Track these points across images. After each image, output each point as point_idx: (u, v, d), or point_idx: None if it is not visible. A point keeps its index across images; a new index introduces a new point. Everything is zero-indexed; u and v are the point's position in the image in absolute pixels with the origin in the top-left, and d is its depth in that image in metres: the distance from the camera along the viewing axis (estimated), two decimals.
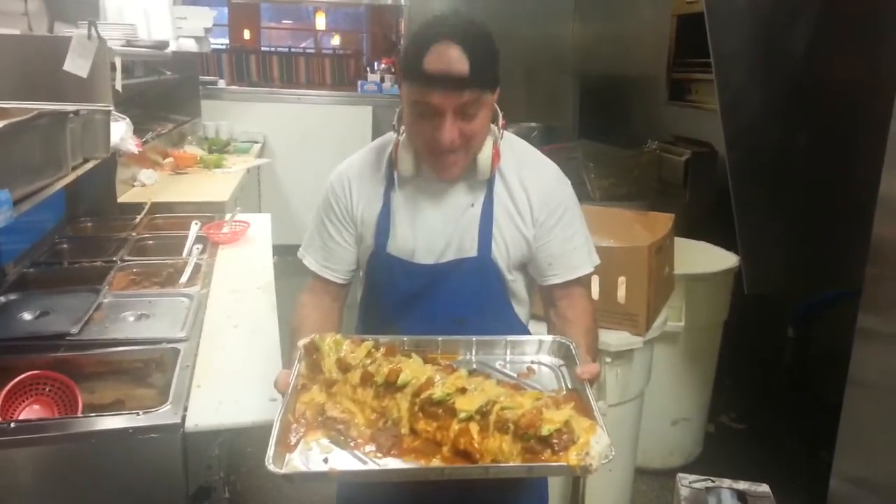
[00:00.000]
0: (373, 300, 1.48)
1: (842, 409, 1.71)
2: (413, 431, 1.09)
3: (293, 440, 1.07)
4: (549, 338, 1.32)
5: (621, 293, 2.19)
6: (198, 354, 1.68)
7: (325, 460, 1.04)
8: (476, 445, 1.03)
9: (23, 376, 1.54)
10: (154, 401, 1.55)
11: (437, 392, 1.08)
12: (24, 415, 1.52)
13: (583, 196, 1.49)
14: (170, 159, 3.84)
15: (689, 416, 2.87)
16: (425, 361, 1.19)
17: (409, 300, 1.40)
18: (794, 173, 2.45)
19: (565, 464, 0.98)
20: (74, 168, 1.84)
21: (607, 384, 2.24)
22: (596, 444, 0.99)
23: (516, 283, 1.43)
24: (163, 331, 1.81)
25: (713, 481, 1.81)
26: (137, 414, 1.37)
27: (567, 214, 1.39)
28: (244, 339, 1.82)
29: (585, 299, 1.44)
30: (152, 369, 1.71)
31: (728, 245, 2.80)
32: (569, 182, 1.44)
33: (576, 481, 2.26)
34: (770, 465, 2.41)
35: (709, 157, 3.40)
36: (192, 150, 4.22)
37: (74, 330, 1.74)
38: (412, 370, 1.14)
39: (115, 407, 1.66)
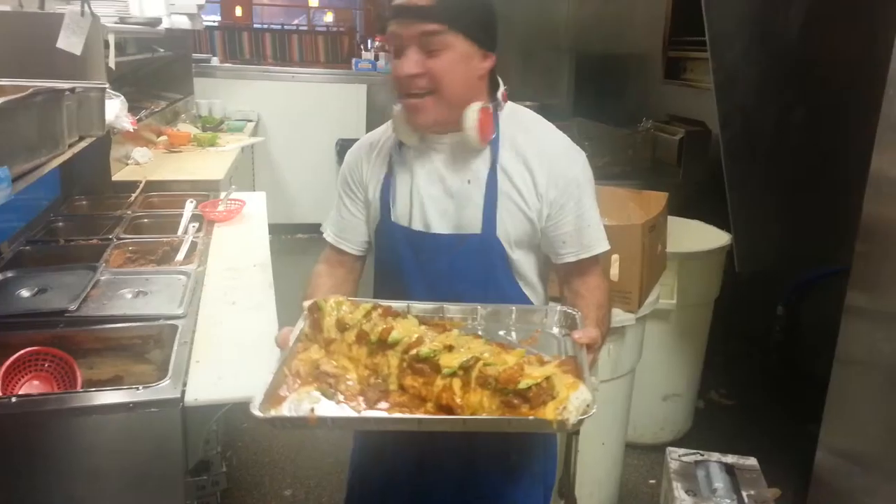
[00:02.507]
0: (382, 275, 1.49)
1: (829, 385, 1.75)
2: (401, 387, 1.11)
3: (284, 393, 1.08)
4: (556, 307, 1.31)
5: (614, 271, 2.21)
6: (196, 331, 1.69)
7: (312, 410, 1.05)
8: (458, 401, 1.04)
9: (22, 352, 1.54)
10: (153, 377, 1.57)
11: (424, 349, 1.10)
12: (23, 391, 1.52)
13: None
14: (163, 137, 3.82)
15: (679, 392, 2.92)
16: (422, 324, 1.20)
17: (413, 272, 1.39)
18: (786, 153, 2.47)
19: (542, 417, 0.97)
20: (70, 146, 1.84)
21: (599, 360, 2.26)
22: (575, 399, 0.97)
23: (521, 262, 1.40)
24: (161, 307, 1.81)
25: (702, 455, 1.85)
26: (138, 388, 1.38)
27: (579, 191, 1.35)
28: (242, 316, 1.83)
29: (599, 276, 1.42)
30: (150, 345, 1.72)
31: (721, 223, 2.82)
32: (583, 154, 1.39)
33: (567, 455, 2.29)
34: (758, 439, 2.45)
35: (703, 136, 3.42)
36: (185, 128, 4.20)
37: (73, 307, 1.74)
38: (405, 329, 1.15)
39: (113, 383, 1.67)
